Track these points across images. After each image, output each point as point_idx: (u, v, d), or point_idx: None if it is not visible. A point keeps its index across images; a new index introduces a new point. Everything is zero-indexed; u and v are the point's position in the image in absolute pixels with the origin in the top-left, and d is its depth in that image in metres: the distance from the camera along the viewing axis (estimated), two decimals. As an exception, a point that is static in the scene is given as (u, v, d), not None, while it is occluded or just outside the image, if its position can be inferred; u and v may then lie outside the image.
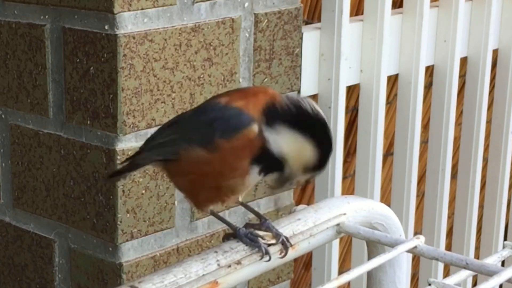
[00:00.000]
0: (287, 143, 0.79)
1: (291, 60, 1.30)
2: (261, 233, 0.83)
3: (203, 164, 0.80)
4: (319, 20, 1.43)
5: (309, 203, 1.60)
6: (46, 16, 1.15)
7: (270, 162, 0.79)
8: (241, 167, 0.79)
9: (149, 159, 0.88)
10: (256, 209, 0.91)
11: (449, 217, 1.75)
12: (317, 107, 0.81)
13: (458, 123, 1.75)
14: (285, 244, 0.83)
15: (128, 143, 1.11)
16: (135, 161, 0.90)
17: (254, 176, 0.80)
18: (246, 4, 1.21)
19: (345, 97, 1.43)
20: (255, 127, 0.78)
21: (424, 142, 1.73)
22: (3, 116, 1.24)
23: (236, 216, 1.26)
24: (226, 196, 0.83)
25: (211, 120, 0.80)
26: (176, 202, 1.18)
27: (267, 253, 0.81)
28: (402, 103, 1.57)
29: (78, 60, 1.12)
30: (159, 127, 0.91)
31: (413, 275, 1.88)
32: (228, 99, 0.81)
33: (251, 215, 1.26)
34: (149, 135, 1.12)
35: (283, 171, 0.80)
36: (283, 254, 0.83)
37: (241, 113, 0.78)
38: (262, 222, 0.84)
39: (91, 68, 1.10)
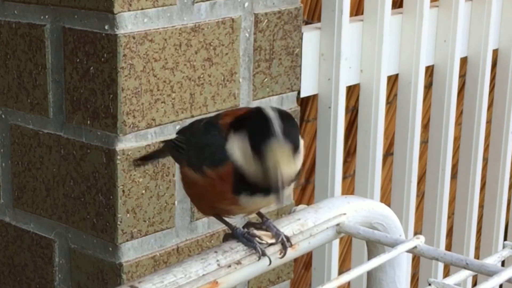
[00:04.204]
0: (236, 146, 0.77)
1: (291, 60, 1.30)
2: (260, 232, 0.83)
3: (197, 185, 0.81)
4: (319, 20, 1.43)
5: (309, 203, 1.60)
6: (46, 16, 1.15)
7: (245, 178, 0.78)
8: (225, 195, 0.79)
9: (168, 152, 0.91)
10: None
11: (449, 217, 1.75)
12: (270, 111, 0.76)
13: (458, 123, 1.75)
14: (284, 244, 0.83)
15: (128, 143, 1.11)
16: (163, 147, 0.93)
17: (247, 200, 0.79)
18: (246, 4, 1.21)
19: (345, 97, 1.44)
20: (231, 157, 0.77)
21: (424, 142, 1.73)
22: (3, 116, 1.24)
23: (236, 216, 1.26)
24: (223, 215, 0.84)
25: (204, 145, 0.81)
26: (176, 202, 1.18)
27: (263, 253, 0.81)
28: (402, 103, 1.57)
29: (78, 60, 1.12)
30: (194, 119, 0.91)
31: (413, 275, 1.88)
32: (225, 115, 0.81)
33: (251, 215, 1.26)
34: (149, 135, 1.12)
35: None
36: (282, 254, 0.83)
37: (224, 145, 0.78)
38: (264, 221, 0.84)
39: (91, 68, 1.10)
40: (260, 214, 0.86)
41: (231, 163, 0.77)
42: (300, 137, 0.77)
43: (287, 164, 0.75)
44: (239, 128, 0.77)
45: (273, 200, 0.78)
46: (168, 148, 0.90)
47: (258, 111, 0.77)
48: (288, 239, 0.83)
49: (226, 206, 0.81)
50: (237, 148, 0.77)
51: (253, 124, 0.76)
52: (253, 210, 0.84)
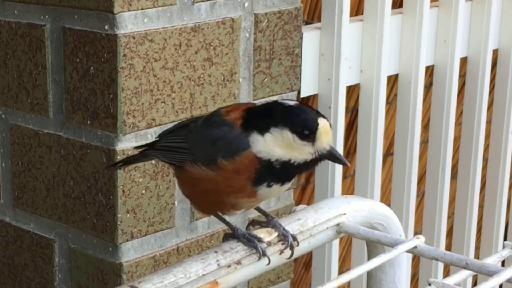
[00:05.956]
0: (271, 143, 0.78)
1: (291, 60, 1.30)
2: (260, 232, 0.83)
3: (207, 181, 0.81)
4: (319, 20, 1.43)
5: (309, 203, 1.60)
6: (46, 16, 1.15)
7: (274, 169, 0.79)
8: (244, 187, 0.79)
9: (157, 156, 0.89)
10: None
11: (449, 217, 1.75)
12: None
13: (458, 123, 1.75)
14: (292, 245, 0.82)
15: (128, 143, 1.11)
16: (144, 153, 0.92)
17: (264, 190, 0.80)
18: (246, 4, 1.22)
19: (345, 97, 1.44)
20: (253, 150, 0.78)
21: (424, 142, 1.73)
22: (3, 116, 1.24)
23: (236, 216, 1.26)
24: (228, 210, 0.84)
25: (215, 138, 0.81)
26: (176, 202, 1.18)
27: (264, 254, 0.81)
28: (402, 103, 1.57)
29: (78, 60, 1.12)
30: (179, 122, 0.92)
31: (413, 275, 1.88)
32: (229, 112, 0.82)
33: (251, 214, 1.26)
34: (149, 135, 1.12)
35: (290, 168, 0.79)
36: (290, 254, 0.83)
37: (241, 135, 0.79)
38: (269, 220, 0.84)
39: (91, 68, 1.10)
40: (265, 213, 0.86)
41: (252, 154, 0.78)
42: None
43: (331, 138, 0.79)
44: (261, 122, 0.79)
45: (342, 163, 0.81)
46: (154, 154, 0.89)
47: (270, 105, 0.80)
48: (295, 238, 0.83)
49: (237, 199, 0.81)
50: (274, 140, 0.78)
51: (280, 115, 0.78)
52: (259, 203, 0.83)
